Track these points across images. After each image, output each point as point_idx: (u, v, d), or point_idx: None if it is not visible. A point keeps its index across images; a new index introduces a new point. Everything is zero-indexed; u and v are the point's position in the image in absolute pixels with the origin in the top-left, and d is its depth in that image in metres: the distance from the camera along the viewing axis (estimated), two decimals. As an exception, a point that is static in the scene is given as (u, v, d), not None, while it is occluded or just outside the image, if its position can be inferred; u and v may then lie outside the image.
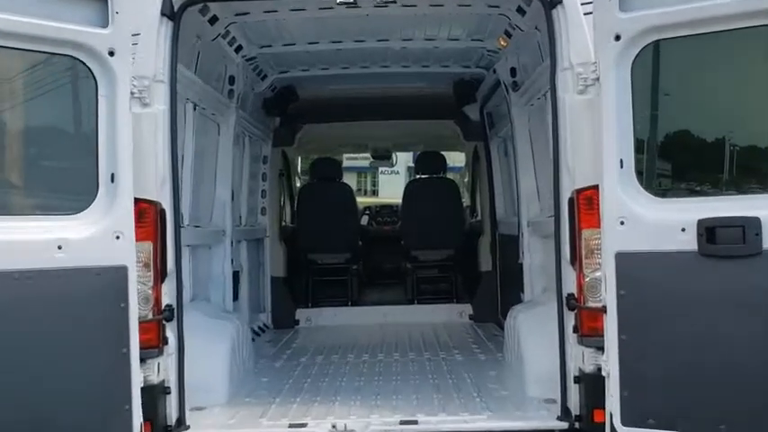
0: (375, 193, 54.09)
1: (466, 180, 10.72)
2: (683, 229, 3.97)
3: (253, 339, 7.84)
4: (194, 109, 5.90)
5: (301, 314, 9.08)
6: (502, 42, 6.74)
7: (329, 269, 9.42)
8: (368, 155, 11.43)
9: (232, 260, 6.91)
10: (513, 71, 6.79)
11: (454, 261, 9.36)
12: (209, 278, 6.70)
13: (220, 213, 6.81)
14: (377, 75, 8.08)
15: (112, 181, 4.12)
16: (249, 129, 7.93)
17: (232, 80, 6.85)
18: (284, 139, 9.17)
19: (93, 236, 4.06)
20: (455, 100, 8.79)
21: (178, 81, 5.23)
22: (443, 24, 6.45)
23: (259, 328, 8.40)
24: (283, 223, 9.60)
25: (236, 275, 7.01)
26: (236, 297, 6.98)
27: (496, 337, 7.92)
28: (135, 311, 4.10)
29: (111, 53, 4.08)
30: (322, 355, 7.15)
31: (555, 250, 4.67)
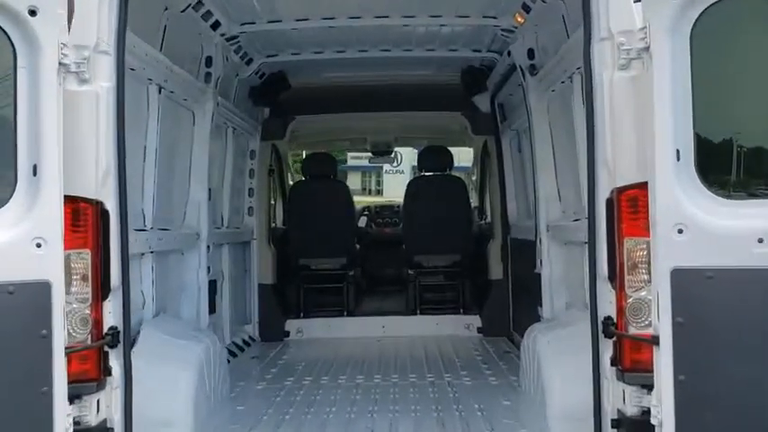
0: (380, 192, 53.49)
1: (474, 179, 9.86)
2: (761, 240, 3.11)
3: (235, 355, 6.99)
4: (159, 92, 5.04)
5: (291, 325, 8.21)
6: (518, 19, 5.89)
7: (323, 275, 8.55)
8: (367, 151, 10.58)
9: (209, 268, 6.05)
10: (530, 53, 5.93)
11: (461, 268, 8.48)
12: (181, 289, 5.85)
13: (194, 214, 5.96)
14: (376, 60, 7.24)
15: (34, 174, 3.27)
16: (233, 119, 7.08)
17: (209, 62, 6.00)
18: (274, 131, 8.30)
19: (5, 243, 3.21)
20: (463, 89, 7.94)
21: (139, 58, 4.40)
22: (451, -2, 5.64)
23: (244, 341, 7.55)
24: (273, 225, 8.73)
25: (213, 285, 6.15)
26: (212, 310, 6.12)
27: (509, 355, 7.05)
28: (60, 339, 3.24)
29: (33, 12, 3.23)
30: (311, 377, 6.30)
31: (588, 262, 3.78)
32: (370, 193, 54.63)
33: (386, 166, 48.72)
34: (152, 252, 4.95)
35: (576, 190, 5.40)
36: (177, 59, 5.28)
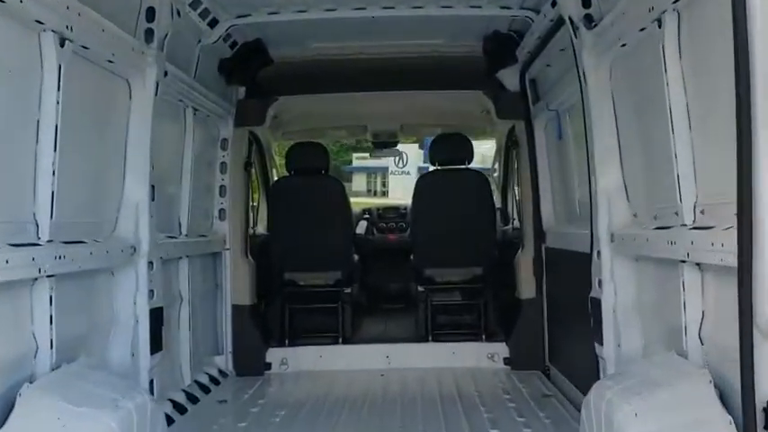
0: (385, 194, 52.12)
1: (495, 175, 8.25)
2: None
3: (196, 400, 5.42)
4: (61, 45, 3.47)
5: (274, 355, 6.63)
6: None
7: (313, 294, 6.98)
8: (367, 142, 8.93)
9: (151, 291, 4.48)
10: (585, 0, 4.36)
11: (483, 284, 6.89)
12: (111, 322, 4.30)
13: (130, 220, 4.39)
14: (376, 25, 5.70)
15: None
16: (195, 97, 5.53)
17: (151, 15, 4.44)
18: (252, 116, 6.70)
19: None
20: (486, 62, 6.38)
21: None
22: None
23: (211, 378, 5.98)
24: (252, 231, 7.15)
25: (158, 314, 4.57)
26: (157, 347, 4.55)
27: (549, 399, 5.48)
28: None
29: None
30: (296, 423, 4.89)
31: (738, 304, 2.22)
32: (375, 194, 53.28)
33: (391, 167, 47.36)
34: (49, 276, 3.39)
35: (655, 185, 3.85)
36: (96, 3, 3.73)
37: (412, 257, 7.15)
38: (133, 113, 4.43)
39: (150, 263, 4.49)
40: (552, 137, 6.06)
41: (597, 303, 4.37)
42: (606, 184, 4.33)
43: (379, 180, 53.95)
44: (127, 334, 4.30)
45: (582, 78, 4.45)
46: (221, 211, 6.48)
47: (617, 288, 4.25)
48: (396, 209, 9.21)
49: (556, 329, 6.16)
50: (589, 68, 4.37)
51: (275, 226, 6.83)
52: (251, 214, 7.37)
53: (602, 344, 4.34)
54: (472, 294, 6.95)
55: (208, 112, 5.95)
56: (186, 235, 5.57)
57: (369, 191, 54.35)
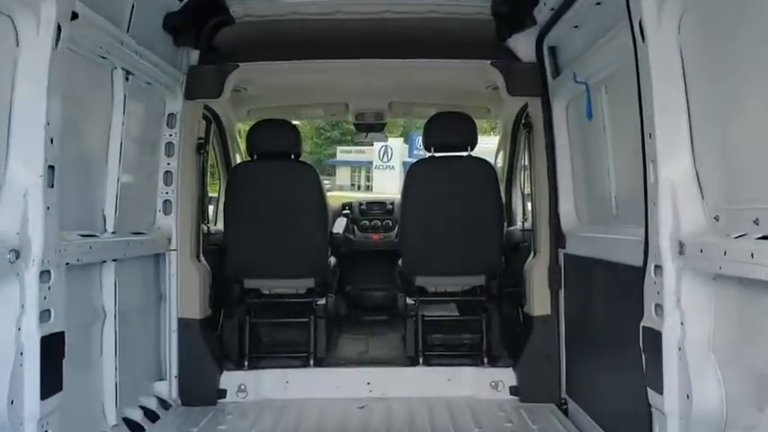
0: (369, 188, 51.04)
1: (500, 165, 6.97)
2: None
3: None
4: None
5: (230, 380, 5.41)
6: None
7: (279, 305, 5.78)
8: (348, 124, 7.59)
9: (46, 312, 3.26)
10: None
11: (486, 296, 5.71)
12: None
13: (11, 214, 3.17)
14: None
15: None
16: (127, 58, 4.29)
17: None
18: (206, 86, 5.39)
19: None
20: (495, 24, 5.19)
21: None
22: None
23: (147, 413, 4.76)
24: (207, 228, 5.91)
25: (54, 343, 3.35)
26: (54, 387, 3.33)
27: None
28: None
29: None
30: None
31: None
32: (359, 188, 52.19)
33: (375, 161, 46.22)
34: None
35: (743, 176, 2.72)
36: None
37: (400, 263, 5.95)
38: (21, 67, 3.20)
39: (45, 272, 3.26)
40: (578, 116, 4.88)
41: (654, 336, 3.21)
42: (671, 176, 3.16)
43: (363, 174, 52.88)
44: (3, 372, 3.08)
45: (639, 34, 3.26)
46: (166, 203, 5.26)
47: (685, 317, 3.09)
48: (381, 204, 7.86)
49: (576, 355, 5.00)
50: (650, 19, 3.19)
51: (231, 222, 5.56)
52: (207, 207, 6.14)
53: (660, 392, 3.17)
54: (472, 308, 5.77)
55: (148, 78, 4.72)
56: (114, 233, 4.34)
57: (353, 185, 53.25)
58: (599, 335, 4.55)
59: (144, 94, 4.80)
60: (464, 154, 5.58)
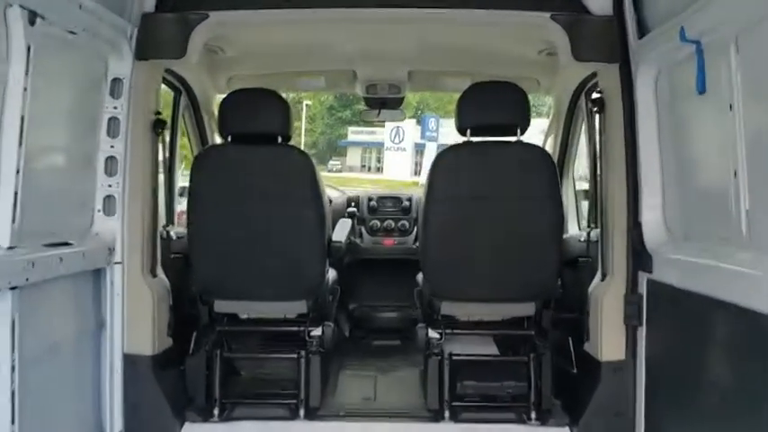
0: (380, 170, 49.82)
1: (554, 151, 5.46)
2: None
3: None
4: None
5: None
6: None
7: (261, 335, 4.42)
8: (357, 97, 5.96)
9: None
10: None
11: (536, 330, 4.28)
12: None
13: None
14: None
15: None
16: None
17: None
18: (164, 42, 3.93)
19: None
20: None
21: None
22: None
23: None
24: (165, 232, 4.48)
25: None
26: None
27: None
28: None
29: None
30: None
31: None
32: (369, 170, 51.01)
33: (387, 142, 44.86)
34: None
35: None
36: None
37: (419, 279, 4.53)
38: None
39: None
40: (676, 90, 3.47)
41: None
42: None
43: (374, 156, 51.66)
44: None
45: None
46: (108, 200, 3.88)
47: None
48: (395, 199, 6.15)
49: (662, 418, 3.61)
50: None
51: (197, 226, 4.12)
52: (174, 203, 4.77)
53: None
54: (517, 346, 4.37)
55: (72, 26, 3.32)
56: (11, 248, 2.97)
57: (363, 166, 52.04)
58: (701, 396, 3.18)
59: (67, 49, 3.40)
60: (512, 139, 4.11)
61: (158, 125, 4.07)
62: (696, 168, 3.49)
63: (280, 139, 4.05)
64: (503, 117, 4.01)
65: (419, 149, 43.96)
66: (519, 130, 4.04)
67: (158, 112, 4.09)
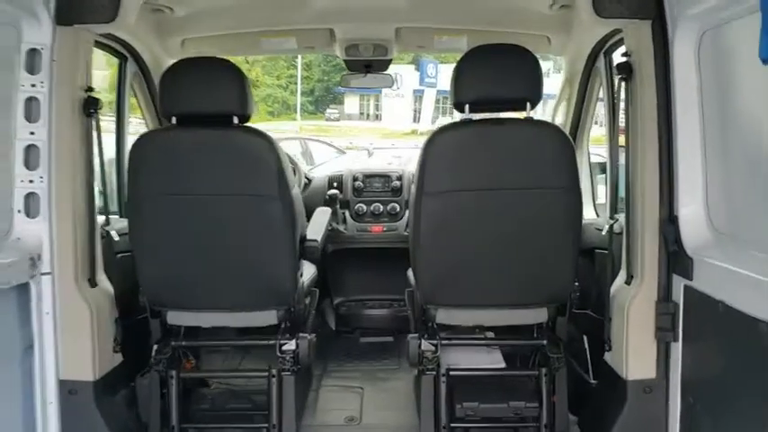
0: (378, 117, 48.95)
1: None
2: None
3: None
4: None
5: None
6: None
7: (222, 352, 3.78)
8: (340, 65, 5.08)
9: None
10: None
11: (549, 339, 3.61)
12: None
13: None
14: None
15: None
16: None
17: None
18: (89, 3, 3.23)
19: None
20: None
21: None
22: None
23: None
24: (106, 232, 3.77)
25: None
26: None
27: None
28: None
29: None
30: None
31: None
32: (368, 117, 50.14)
33: (384, 89, 43.93)
34: None
35: None
36: None
37: (411, 277, 3.84)
38: None
39: None
40: (735, 56, 2.75)
41: None
42: None
43: (372, 103, 50.74)
44: None
45: None
46: (30, 198, 3.20)
47: None
48: (384, 178, 5.26)
49: None
50: None
51: (137, 227, 3.41)
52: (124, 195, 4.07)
53: None
54: (526, 358, 3.73)
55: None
56: None
57: (361, 114, 51.05)
58: (747, 429, 2.56)
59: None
60: (521, 115, 3.37)
61: (90, 104, 3.35)
62: (749, 152, 2.79)
63: (236, 120, 3.30)
64: (510, 89, 3.25)
65: (418, 95, 43.05)
66: (529, 105, 3.30)
67: (90, 88, 3.37)
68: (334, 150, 15.73)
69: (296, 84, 49.10)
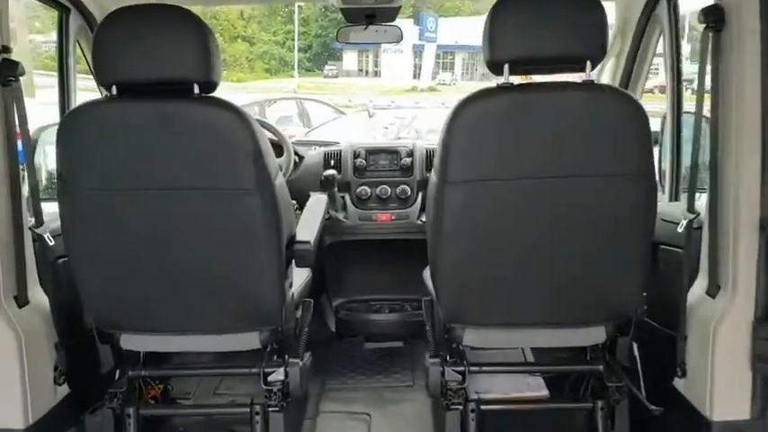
0: (377, 74, 47.97)
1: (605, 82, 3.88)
2: None
3: None
4: None
5: None
6: None
7: (194, 382, 3.05)
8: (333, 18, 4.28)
9: None
10: None
11: (606, 364, 2.84)
12: None
13: None
14: None
15: None
16: None
17: None
18: None
19: None
20: None
21: None
22: None
23: None
24: (37, 234, 2.97)
25: None
26: None
27: None
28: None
29: None
30: None
31: None
32: (367, 74, 49.17)
33: (384, 44, 42.87)
34: None
35: None
36: None
37: (430, 286, 3.03)
38: None
39: None
40: None
41: None
42: None
43: (371, 59, 49.68)
44: None
45: None
46: None
47: None
48: (393, 154, 4.26)
49: None
50: None
51: (72, 228, 2.56)
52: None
53: None
54: (577, 387, 2.98)
55: None
56: None
57: (360, 70, 49.98)
58: None
59: None
60: (577, 78, 2.52)
61: (6, 70, 2.53)
62: None
63: (197, 90, 2.46)
64: (566, 43, 2.40)
65: (417, 50, 41.99)
66: (590, 64, 2.47)
67: (5, 48, 2.54)
68: (332, 110, 14.95)
69: (293, 40, 47.95)
